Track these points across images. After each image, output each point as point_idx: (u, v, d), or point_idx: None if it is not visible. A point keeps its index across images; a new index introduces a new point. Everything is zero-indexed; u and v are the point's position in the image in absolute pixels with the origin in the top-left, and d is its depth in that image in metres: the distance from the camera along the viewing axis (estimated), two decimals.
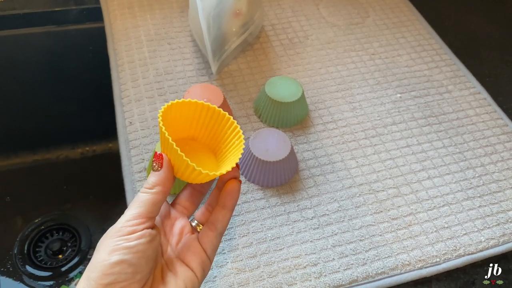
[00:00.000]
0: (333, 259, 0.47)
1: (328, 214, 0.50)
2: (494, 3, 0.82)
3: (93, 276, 0.29)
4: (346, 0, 0.78)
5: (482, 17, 0.79)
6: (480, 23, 0.78)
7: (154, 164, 0.32)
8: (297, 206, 0.51)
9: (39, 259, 0.69)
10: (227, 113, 0.35)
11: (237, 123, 0.35)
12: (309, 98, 0.62)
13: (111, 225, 0.31)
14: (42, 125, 0.80)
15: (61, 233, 0.72)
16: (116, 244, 0.29)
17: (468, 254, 0.48)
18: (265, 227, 0.49)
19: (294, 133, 0.58)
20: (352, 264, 0.47)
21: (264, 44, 0.69)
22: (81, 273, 0.72)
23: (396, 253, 0.48)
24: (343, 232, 0.49)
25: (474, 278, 0.48)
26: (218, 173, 0.32)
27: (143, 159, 0.53)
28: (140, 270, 0.30)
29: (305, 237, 0.48)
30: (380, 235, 0.49)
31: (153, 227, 0.31)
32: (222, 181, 0.35)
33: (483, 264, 0.49)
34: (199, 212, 0.36)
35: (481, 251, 0.49)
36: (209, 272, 0.44)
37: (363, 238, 0.49)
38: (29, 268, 0.69)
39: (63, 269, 0.69)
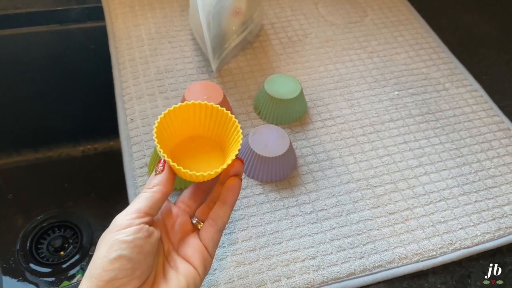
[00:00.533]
0: (331, 252, 0.48)
1: (326, 209, 0.51)
2: (491, 2, 0.83)
3: (95, 273, 0.30)
4: None
5: (479, 16, 0.80)
6: (477, 21, 0.79)
7: (157, 167, 0.34)
8: (296, 201, 0.52)
9: (41, 256, 0.70)
10: (224, 108, 0.36)
11: (236, 119, 0.36)
12: (307, 95, 0.63)
13: None
14: (44, 123, 0.80)
15: (62, 230, 0.72)
16: (114, 239, 0.30)
17: (464, 248, 0.49)
18: (264, 221, 0.49)
19: (293, 130, 0.58)
20: (349, 257, 0.47)
21: (264, 43, 0.70)
22: (82, 269, 0.73)
23: (393, 247, 0.48)
24: (341, 227, 0.50)
25: (470, 271, 0.49)
26: (213, 172, 0.33)
27: (144, 155, 0.54)
28: (139, 266, 0.31)
29: (304, 231, 0.49)
30: (378, 229, 0.50)
31: (150, 223, 0.32)
32: (227, 176, 0.36)
33: (479, 257, 0.50)
34: (199, 209, 0.37)
35: (476, 245, 0.49)
36: None
37: (360, 232, 0.49)
38: (31, 265, 0.69)
39: (65, 265, 0.70)
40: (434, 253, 0.48)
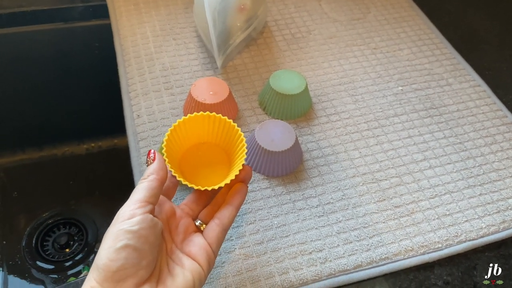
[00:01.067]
0: (338, 245, 0.48)
1: (332, 203, 0.51)
2: None
3: (101, 264, 0.30)
4: None
5: (481, 12, 0.80)
6: (480, 18, 0.79)
7: (147, 160, 0.36)
8: (302, 194, 0.52)
9: (46, 253, 0.70)
10: (231, 120, 0.40)
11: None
12: (312, 91, 0.63)
13: None
14: (48, 121, 0.81)
15: (68, 228, 0.73)
16: (119, 229, 0.31)
17: (469, 240, 0.49)
18: (271, 214, 0.50)
19: (298, 125, 0.59)
20: (356, 250, 0.48)
21: (268, 39, 0.70)
22: (88, 265, 0.73)
23: (399, 239, 0.49)
24: (347, 220, 0.50)
25: (475, 263, 0.49)
26: (216, 187, 0.37)
27: None
28: (145, 256, 0.31)
29: (310, 224, 0.49)
30: (384, 222, 0.50)
31: (152, 213, 0.33)
32: (234, 182, 0.38)
33: (484, 249, 0.50)
34: (203, 212, 0.39)
35: (482, 237, 0.50)
36: (218, 258, 0.46)
37: (367, 225, 0.50)
38: (37, 262, 0.70)
39: (70, 262, 0.70)
40: (440, 245, 0.49)
